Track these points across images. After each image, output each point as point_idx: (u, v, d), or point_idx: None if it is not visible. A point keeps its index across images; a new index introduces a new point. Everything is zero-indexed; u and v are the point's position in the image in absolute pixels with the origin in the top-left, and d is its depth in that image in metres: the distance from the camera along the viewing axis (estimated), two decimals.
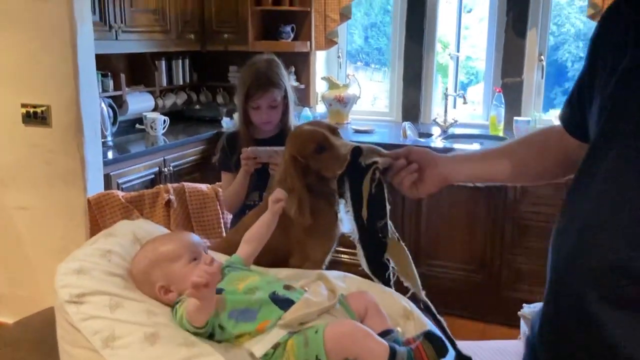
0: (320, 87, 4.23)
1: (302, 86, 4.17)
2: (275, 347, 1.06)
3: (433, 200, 3.33)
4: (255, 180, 2.04)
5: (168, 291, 1.18)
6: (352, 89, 4.06)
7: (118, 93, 3.53)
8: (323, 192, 1.45)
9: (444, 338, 1.07)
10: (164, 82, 3.99)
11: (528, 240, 3.16)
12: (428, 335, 1.06)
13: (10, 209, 2.85)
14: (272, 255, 1.45)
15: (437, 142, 3.54)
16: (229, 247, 1.41)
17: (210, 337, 1.11)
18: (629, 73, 0.94)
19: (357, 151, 1.28)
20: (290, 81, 4.02)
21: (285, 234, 1.49)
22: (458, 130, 3.78)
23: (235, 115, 3.89)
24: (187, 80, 4.23)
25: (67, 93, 2.60)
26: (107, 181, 2.86)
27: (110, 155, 3.03)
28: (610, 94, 0.97)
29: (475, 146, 3.46)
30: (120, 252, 1.22)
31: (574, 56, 3.96)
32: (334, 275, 1.33)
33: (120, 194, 2.21)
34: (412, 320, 1.22)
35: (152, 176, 3.19)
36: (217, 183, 2.36)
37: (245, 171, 2.01)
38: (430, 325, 1.21)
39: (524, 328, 2.08)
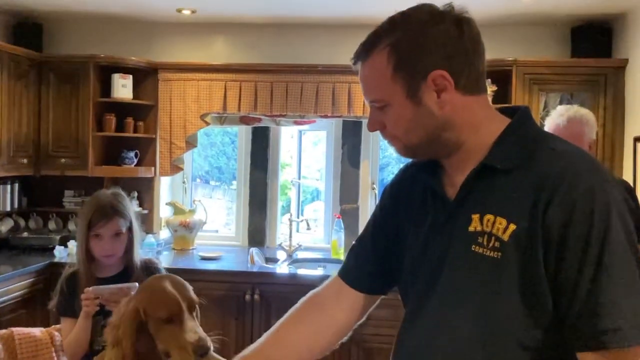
0: (164, 212, 4.16)
1: (146, 211, 4.07)
2: None
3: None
4: (103, 324, 1.91)
5: None
6: (197, 214, 4.06)
7: None
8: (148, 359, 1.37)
9: None
10: None
11: None
12: None
13: None
14: None
15: (283, 267, 3.61)
16: None
17: None
18: (435, 230, 1.07)
19: (202, 351, 1.26)
20: (133, 207, 3.92)
21: None
22: (303, 254, 3.91)
23: (70, 244, 3.66)
24: (16, 205, 3.91)
25: None
26: None
27: None
28: (424, 250, 1.09)
29: (319, 271, 3.59)
30: None
31: None
32: None
33: None
34: None
35: None
36: (53, 326, 2.16)
37: (86, 313, 1.88)
38: None
39: None
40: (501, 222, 0.97)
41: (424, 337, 1.07)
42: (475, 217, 1.00)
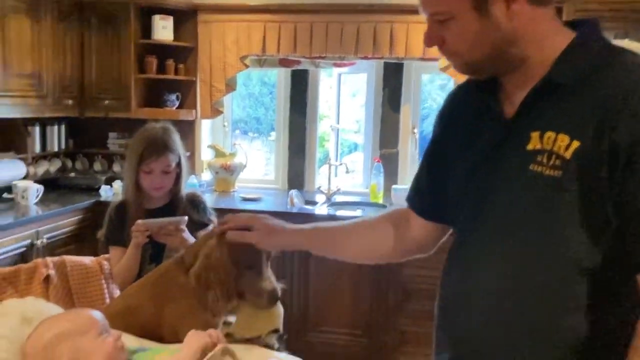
0: (206, 155, 4.22)
1: (188, 154, 4.11)
2: None
3: (320, 268, 3.38)
4: (151, 253, 1.97)
5: None
6: (238, 157, 4.09)
7: None
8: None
9: None
10: (37, 149, 3.76)
11: (412, 303, 3.30)
12: None
13: None
14: (140, 330, 1.41)
15: (322, 209, 3.64)
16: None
17: None
18: (490, 152, 1.04)
19: (275, 299, 1.38)
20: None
21: (159, 315, 1.47)
22: (341, 198, 3.92)
23: (115, 184, 3.76)
24: (63, 146, 4.02)
25: None
26: None
27: None
28: (475, 174, 1.06)
29: (357, 213, 3.60)
30: (8, 334, 1.11)
31: None
32: (238, 348, 1.30)
33: None
34: None
35: (23, 249, 2.95)
36: (101, 255, 2.24)
37: (136, 244, 1.94)
38: None
39: None
40: (563, 139, 0.93)
41: (474, 264, 1.04)
42: (535, 134, 0.96)
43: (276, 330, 1.42)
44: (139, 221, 1.91)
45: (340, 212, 3.57)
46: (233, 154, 4.08)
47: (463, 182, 1.09)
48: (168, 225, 1.92)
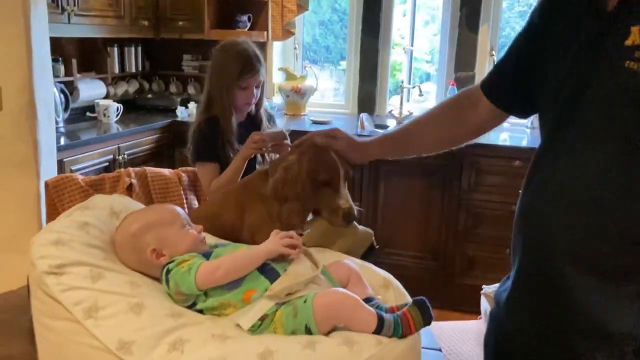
0: (277, 78, 4.22)
1: None
2: (263, 318, 1.06)
3: (389, 190, 3.39)
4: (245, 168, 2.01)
5: (160, 255, 1.16)
6: (308, 80, 4.07)
7: (69, 79, 3.42)
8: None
9: (429, 306, 1.09)
10: (116, 69, 3.89)
11: (481, 228, 3.27)
12: (417, 303, 1.08)
13: None
14: (222, 232, 1.46)
15: None
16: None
17: (192, 306, 1.10)
18: (586, 46, 0.97)
19: (350, 219, 1.41)
20: None
21: (240, 222, 1.50)
22: None
23: (190, 105, 3.85)
24: (140, 68, 4.14)
25: (19, 75, 2.49)
26: (61, 167, 2.76)
27: (62, 141, 2.93)
28: (569, 70, 0.99)
29: None
30: (97, 224, 1.18)
31: None
32: (312, 250, 1.34)
33: (80, 177, 2.13)
34: (392, 290, 1.24)
35: (107, 164, 3.11)
36: (180, 168, 2.32)
37: (246, 156, 1.93)
38: (408, 296, 1.24)
39: (484, 306, 2.16)
40: None
41: (561, 167, 0.99)
42: (635, 29, 0.89)
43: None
44: (257, 132, 1.94)
45: None
46: (303, 77, 4.06)
47: (556, 78, 1.03)
48: (279, 136, 1.94)
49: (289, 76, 4.06)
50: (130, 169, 2.22)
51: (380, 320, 1.03)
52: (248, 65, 2.02)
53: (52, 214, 2.07)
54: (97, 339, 0.98)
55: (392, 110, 3.92)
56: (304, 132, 3.56)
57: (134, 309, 1.03)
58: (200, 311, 1.10)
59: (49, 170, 2.61)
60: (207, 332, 1.02)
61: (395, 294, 1.24)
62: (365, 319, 1.03)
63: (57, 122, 3.07)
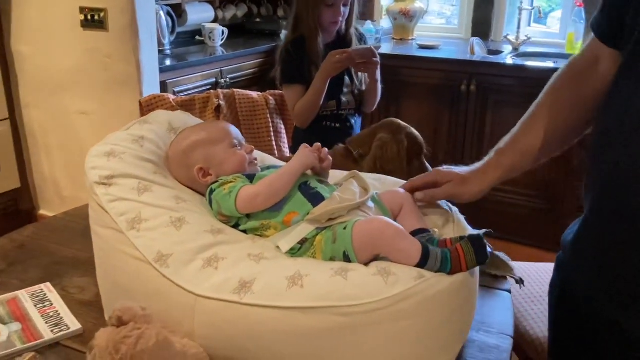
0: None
1: None
2: (302, 242, 1.02)
3: (497, 122, 3.16)
4: (330, 89, 1.99)
5: (207, 174, 1.15)
6: (418, 2, 3.84)
7: (177, 2, 3.48)
8: None
9: (485, 243, 0.98)
10: None
11: None
12: (472, 239, 0.97)
13: (71, 113, 2.92)
14: None
15: (507, 59, 3.31)
16: None
17: (235, 227, 1.08)
18: None
19: None
20: None
21: None
22: (531, 49, 3.53)
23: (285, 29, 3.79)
24: None
25: None
26: (163, 88, 2.86)
27: (168, 63, 3.03)
28: None
29: (548, 64, 3.21)
30: (154, 138, 1.19)
31: None
32: (370, 176, 1.26)
33: (172, 97, 2.19)
34: (452, 224, 1.13)
35: (209, 87, 3.17)
36: (268, 91, 2.31)
37: (325, 77, 1.92)
38: (471, 231, 1.13)
39: None
40: None
41: None
42: None
43: None
44: (338, 51, 1.89)
45: (528, 63, 3.21)
46: None
47: None
48: (368, 53, 1.89)
49: None
50: (220, 91, 2.24)
51: (425, 253, 0.95)
52: None
53: None
54: (137, 250, 1.00)
55: (507, 35, 3.60)
56: (411, 57, 3.39)
57: (176, 223, 1.03)
58: (244, 231, 1.08)
59: (151, 90, 2.72)
60: (244, 252, 1.00)
61: (455, 228, 1.13)
62: (407, 250, 0.95)
63: (163, 45, 3.17)
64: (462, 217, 1.15)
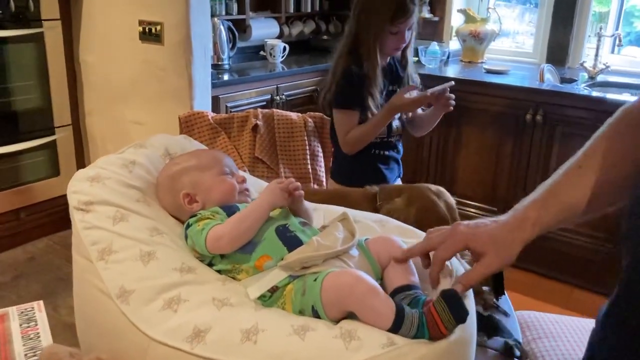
0: (455, 20, 3.87)
1: (436, 19, 3.84)
2: (273, 290, 0.94)
3: (562, 157, 2.93)
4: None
5: (193, 200, 1.10)
6: (490, 24, 3.66)
7: (241, 17, 3.50)
8: None
9: (461, 297, 0.85)
10: (292, 9, 3.89)
11: None
12: (444, 295, 0.84)
13: (128, 122, 2.99)
14: None
15: (580, 88, 3.07)
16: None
17: (210, 265, 1.02)
18: None
19: None
20: (424, 13, 3.73)
21: None
22: (610, 78, 3.26)
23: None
24: (317, 8, 4.10)
25: (178, 10, 2.60)
26: (215, 103, 2.87)
27: (224, 78, 3.04)
28: None
29: (625, 97, 2.95)
30: (145, 163, 1.15)
31: None
32: (371, 216, 1.16)
33: (211, 114, 2.18)
34: (450, 279, 1.01)
35: (264, 103, 3.16)
36: (308, 113, 2.24)
37: (394, 112, 1.89)
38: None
39: None
40: None
41: None
42: None
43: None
44: (409, 87, 1.88)
45: (600, 94, 2.96)
46: (485, 20, 3.65)
47: None
48: (443, 92, 1.85)
49: (469, 19, 3.68)
50: (259, 110, 2.20)
51: (400, 315, 0.84)
52: (402, 8, 1.82)
53: None
54: (103, 282, 0.96)
55: (584, 62, 3.35)
56: (476, 82, 3.23)
57: (144, 257, 0.98)
58: (219, 271, 1.02)
59: (202, 105, 2.73)
60: (209, 295, 0.93)
61: (454, 283, 1.01)
62: (378, 311, 0.85)
63: (221, 60, 3.19)
64: (463, 269, 1.03)
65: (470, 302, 0.94)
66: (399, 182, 2.12)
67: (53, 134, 3.07)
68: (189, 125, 2.14)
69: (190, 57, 2.64)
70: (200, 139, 2.13)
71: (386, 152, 2.03)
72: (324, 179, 2.17)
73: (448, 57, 3.73)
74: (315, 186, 2.13)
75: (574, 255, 2.98)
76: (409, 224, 1.21)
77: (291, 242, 0.97)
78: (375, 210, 1.43)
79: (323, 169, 2.18)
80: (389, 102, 1.88)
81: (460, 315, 0.83)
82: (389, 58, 1.99)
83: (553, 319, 1.75)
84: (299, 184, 1.05)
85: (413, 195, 1.45)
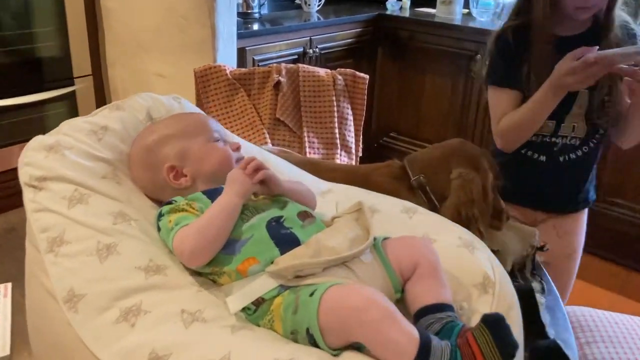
0: None
1: None
2: (259, 303, 0.72)
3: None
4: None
5: (180, 174, 0.89)
6: None
7: None
8: None
9: (509, 325, 0.63)
10: None
11: None
12: (487, 322, 0.63)
13: (150, 74, 2.79)
14: None
15: None
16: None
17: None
18: None
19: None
20: None
21: None
22: None
23: None
24: None
25: None
26: (242, 56, 2.64)
27: (253, 27, 2.79)
28: None
29: None
30: (120, 130, 0.94)
31: None
32: (395, 202, 0.92)
33: (229, 68, 1.95)
34: (492, 296, 0.78)
35: (295, 57, 2.90)
36: (338, 69, 1.98)
37: (558, 88, 1.27)
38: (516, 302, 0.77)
39: None
40: None
41: None
42: None
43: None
44: (582, 49, 1.22)
45: None
46: None
47: None
48: (623, 59, 1.20)
49: None
50: (283, 65, 1.95)
51: (425, 349, 0.62)
52: None
53: (200, 106, 1.94)
54: (49, 281, 0.77)
55: None
56: None
57: (102, 251, 0.78)
58: (199, 273, 0.81)
59: (227, 58, 2.50)
60: (178, 305, 0.73)
61: (497, 300, 0.78)
62: (395, 344, 0.63)
63: (251, 8, 2.93)
64: (508, 280, 0.79)
65: (518, 332, 0.71)
66: (580, 218, 1.61)
67: (72, 84, 2.90)
68: (204, 80, 1.93)
69: (213, 3, 2.40)
70: (217, 95, 1.92)
71: (542, 157, 1.48)
72: (353, 147, 1.92)
73: (502, 10, 3.36)
74: (343, 154, 1.89)
75: (633, 234, 2.68)
76: (489, 191, 1.03)
77: (285, 241, 0.75)
78: (411, 188, 1.11)
79: (352, 135, 1.94)
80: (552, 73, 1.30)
81: (507, 351, 0.61)
82: (590, 21, 1.41)
83: (612, 319, 1.50)
84: (260, 161, 0.81)
85: (466, 153, 1.12)
